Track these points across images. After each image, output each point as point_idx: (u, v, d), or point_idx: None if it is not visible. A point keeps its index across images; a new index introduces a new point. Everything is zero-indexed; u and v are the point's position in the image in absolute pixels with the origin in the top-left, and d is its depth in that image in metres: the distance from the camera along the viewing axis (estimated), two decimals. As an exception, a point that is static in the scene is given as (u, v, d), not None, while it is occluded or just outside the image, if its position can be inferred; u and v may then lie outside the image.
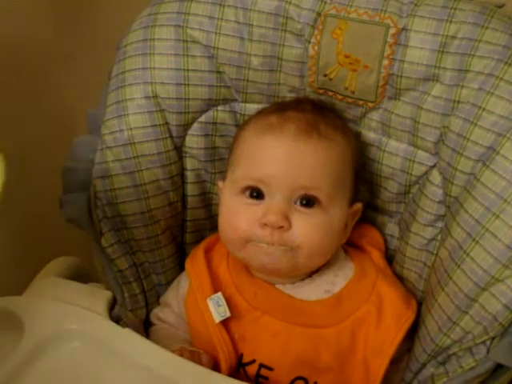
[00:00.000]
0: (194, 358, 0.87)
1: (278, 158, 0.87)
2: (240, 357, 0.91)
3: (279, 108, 0.93)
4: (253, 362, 0.90)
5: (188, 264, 0.97)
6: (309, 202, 0.87)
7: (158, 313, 1.01)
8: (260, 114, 0.94)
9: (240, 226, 0.89)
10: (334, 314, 0.91)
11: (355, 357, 0.89)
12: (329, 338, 0.89)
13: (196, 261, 0.97)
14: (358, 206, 0.95)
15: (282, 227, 0.86)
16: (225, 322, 0.91)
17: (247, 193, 0.89)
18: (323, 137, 0.88)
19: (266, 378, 0.90)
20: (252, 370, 0.90)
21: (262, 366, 0.89)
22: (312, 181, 0.87)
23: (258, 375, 0.90)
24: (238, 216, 0.89)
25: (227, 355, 0.88)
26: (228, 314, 0.89)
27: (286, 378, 0.89)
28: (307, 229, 0.87)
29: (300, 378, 0.89)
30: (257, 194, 0.88)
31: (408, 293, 0.95)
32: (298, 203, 0.88)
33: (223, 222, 0.93)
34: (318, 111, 0.92)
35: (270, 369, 0.89)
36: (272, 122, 0.90)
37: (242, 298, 0.92)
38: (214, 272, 0.96)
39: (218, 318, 0.89)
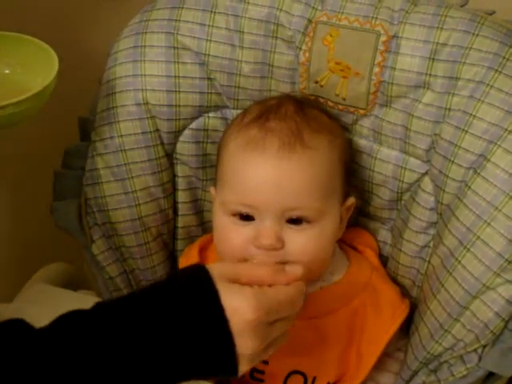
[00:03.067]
0: None
1: (263, 182, 0.85)
2: None
3: (261, 115, 0.90)
4: None
5: (182, 261, 0.98)
6: (298, 220, 0.86)
7: None
8: (242, 121, 0.91)
9: (235, 247, 0.88)
10: (329, 304, 0.91)
11: (352, 348, 0.90)
12: (324, 328, 0.89)
13: (190, 258, 0.97)
14: (352, 200, 0.94)
15: (275, 248, 0.85)
16: None
17: (237, 216, 0.88)
18: (307, 148, 0.86)
19: (262, 373, 0.90)
20: None
21: None
22: (298, 201, 0.85)
23: (253, 370, 0.90)
24: (231, 236, 0.88)
25: None
26: None
27: (281, 372, 0.90)
28: (300, 245, 0.86)
29: (297, 371, 0.90)
30: (246, 216, 0.87)
31: (401, 291, 0.95)
32: (289, 222, 0.86)
33: (218, 239, 0.92)
34: (300, 112, 0.90)
35: (265, 363, 0.89)
36: (254, 136, 0.87)
37: None
38: None
39: None
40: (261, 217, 0.86)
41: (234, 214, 0.88)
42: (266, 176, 0.85)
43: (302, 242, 0.86)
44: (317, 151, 0.87)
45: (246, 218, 0.87)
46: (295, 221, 0.86)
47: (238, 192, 0.87)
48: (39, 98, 0.84)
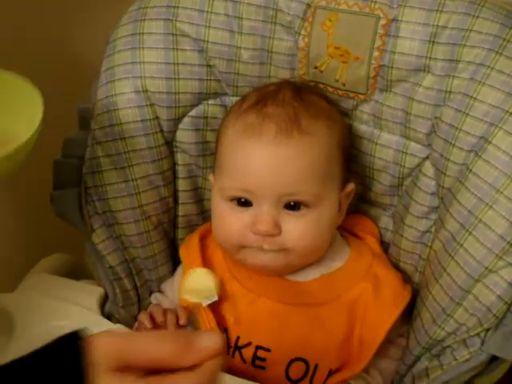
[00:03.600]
0: (158, 310, 0.91)
1: (261, 167, 0.86)
2: (236, 340, 0.91)
3: (259, 101, 0.90)
4: (249, 344, 0.91)
5: (182, 250, 0.98)
6: (295, 205, 0.87)
7: (156, 295, 1.03)
8: (240, 108, 0.92)
9: (232, 233, 0.89)
10: (330, 291, 0.91)
11: (353, 335, 0.90)
12: (326, 316, 0.89)
13: (191, 246, 0.97)
14: (351, 186, 0.94)
15: (272, 234, 0.86)
16: (219, 307, 0.92)
17: (235, 201, 0.89)
18: (305, 133, 0.86)
19: (264, 360, 0.90)
20: (248, 352, 0.90)
21: (258, 347, 0.90)
22: (296, 186, 0.86)
23: (255, 357, 0.90)
24: (229, 223, 0.89)
25: None
26: (215, 298, 0.89)
27: (283, 359, 0.90)
28: (298, 231, 0.87)
29: (299, 359, 0.89)
30: (244, 201, 0.88)
31: (403, 279, 0.95)
32: (287, 207, 0.87)
33: (216, 226, 0.93)
34: (298, 97, 0.90)
35: (267, 350, 0.90)
36: (252, 122, 0.88)
37: (236, 282, 0.93)
38: (209, 258, 0.96)
39: (205, 302, 0.89)
40: (258, 202, 0.86)
41: (232, 200, 0.88)
42: (264, 161, 0.86)
43: (299, 228, 0.86)
44: (315, 136, 0.87)
45: (244, 203, 0.88)
46: (293, 206, 0.86)
47: (235, 178, 0.88)
48: (21, 152, 0.75)
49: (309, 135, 0.87)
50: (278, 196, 0.85)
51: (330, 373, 0.90)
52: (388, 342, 0.91)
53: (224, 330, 0.92)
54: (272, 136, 0.86)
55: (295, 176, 0.86)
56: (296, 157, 0.86)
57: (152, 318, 0.91)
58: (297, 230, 0.86)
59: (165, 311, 0.92)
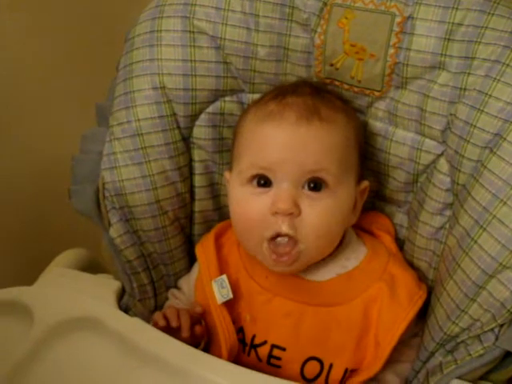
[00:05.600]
0: (172, 312, 0.90)
1: (282, 144, 0.87)
2: (252, 338, 0.92)
3: (278, 94, 0.92)
4: (264, 343, 0.91)
5: (198, 248, 0.98)
6: (316, 185, 0.87)
7: (173, 291, 1.04)
8: (259, 102, 0.94)
9: (253, 217, 0.88)
10: (346, 291, 0.91)
11: (368, 335, 0.90)
12: (341, 316, 0.90)
13: (206, 245, 0.98)
14: (366, 183, 0.95)
15: (291, 214, 0.86)
16: (235, 305, 0.92)
17: (254, 182, 0.89)
18: (324, 121, 0.88)
19: (279, 359, 0.90)
20: (264, 350, 0.91)
21: (274, 346, 0.90)
22: (317, 163, 0.87)
23: (270, 356, 0.91)
24: (248, 207, 0.89)
25: (227, 336, 0.89)
26: (230, 296, 0.90)
27: (298, 358, 0.90)
28: (315, 218, 0.87)
29: (314, 358, 0.90)
30: (264, 181, 0.88)
31: (418, 277, 0.95)
32: (306, 187, 0.87)
33: (235, 215, 0.93)
34: (316, 94, 0.92)
35: (283, 349, 0.90)
36: (272, 110, 0.89)
37: (253, 280, 0.94)
38: (225, 257, 0.97)
39: (220, 300, 0.90)
40: (278, 181, 0.87)
41: (252, 181, 0.89)
42: (285, 140, 0.87)
43: (317, 214, 0.87)
44: (334, 124, 0.89)
45: (264, 184, 0.88)
46: (313, 187, 0.87)
47: (255, 156, 0.89)
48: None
49: (328, 123, 0.88)
50: (299, 173, 0.86)
51: (346, 372, 0.90)
52: (403, 344, 0.91)
53: (240, 328, 0.92)
54: (293, 120, 0.87)
55: (315, 154, 0.87)
56: (316, 138, 0.87)
57: (166, 319, 0.91)
58: (315, 215, 0.87)
59: (179, 314, 0.91)
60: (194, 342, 0.89)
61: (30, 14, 1.28)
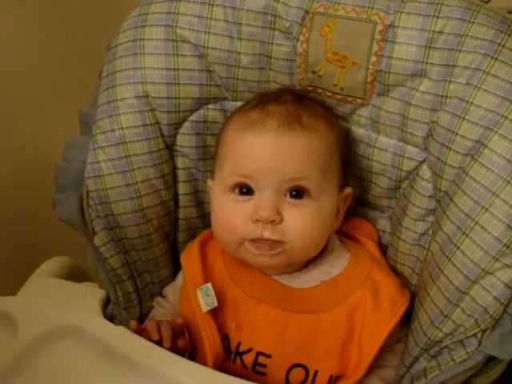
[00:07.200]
0: (153, 325, 0.89)
1: (264, 152, 0.88)
2: (237, 346, 0.92)
3: (260, 102, 0.93)
4: (249, 350, 0.91)
5: (183, 257, 0.98)
6: (298, 193, 0.88)
7: (158, 299, 1.04)
8: (241, 109, 0.94)
9: (234, 225, 0.89)
10: (330, 298, 0.91)
11: (352, 342, 0.90)
12: (325, 323, 0.90)
13: (191, 253, 0.98)
14: (349, 190, 0.96)
15: (273, 221, 0.87)
16: (220, 313, 0.92)
17: (236, 190, 0.90)
18: (306, 128, 0.89)
19: (264, 366, 0.90)
20: (249, 358, 0.91)
21: (259, 353, 0.90)
22: (299, 171, 0.87)
23: (255, 363, 0.91)
24: (230, 214, 0.90)
25: (213, 344, 0.89)
26: (215, 304, 0.90)
27: (284, 365, 0.90)
28: (299, 221, 0.88)
29: (299, 365, 0.90)
30: (246, 190, 0.89)
31: (402, 283, 0.96)
32: (288, 195, 0.88)
33: (216, 222, 0.93)
34: (298, 102, 0.93)
35: (268, 356, 0.90)
36: (254, 118, 0.90)
37: (238, 288, 0.94)
38: (210, 265, 0.97)
39: (205, 308, 0.90)
40: (260, 189, 0.88)
41: (234, 189, 0.90)
42: (266, 147, 0.88)
43: (300, 218, 0.88)
44: (316, 132, 0.90)
45: (246, 192, 0.89)
46: (295, 195, 0.88)
47: (237, 163, 0.90)
48: None
49: (310, 130, 0.89)
50: (281, 181, 0.87)
51: (331, 379, 0.90)
52: (387, 349, 0.91)
53: (225, 335, 0.92)
54: (274, 128, 0.88)
55: (297, 162, 0.87)
56: (298, 146, 0.88)
57: (146, 333, 0.90)
58: (298, 219, 0.87)
59: (159, 326, 0.90)
60: (177, 353, 0.89)
61: (18, 15, 1.27)
